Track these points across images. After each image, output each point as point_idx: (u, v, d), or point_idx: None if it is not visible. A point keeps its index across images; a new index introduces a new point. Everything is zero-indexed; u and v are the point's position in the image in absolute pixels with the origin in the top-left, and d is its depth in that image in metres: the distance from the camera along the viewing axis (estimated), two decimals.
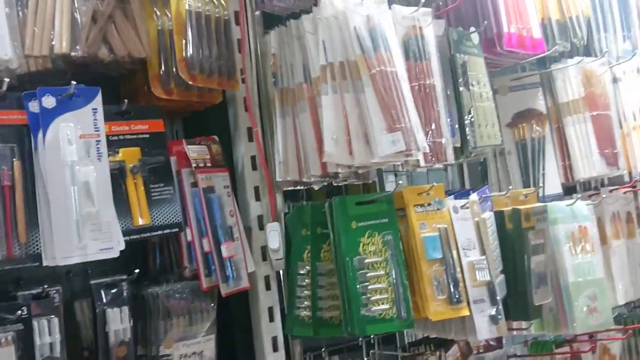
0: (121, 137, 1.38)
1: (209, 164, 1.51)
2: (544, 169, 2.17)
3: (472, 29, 1.88)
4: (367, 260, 1.47)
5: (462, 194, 1.77)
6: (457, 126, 1.75)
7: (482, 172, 2.20)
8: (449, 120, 1.71)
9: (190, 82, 1.42)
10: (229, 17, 1.53)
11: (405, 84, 1.49)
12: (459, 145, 1.78)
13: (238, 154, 1.61)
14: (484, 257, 1.58)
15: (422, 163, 1.53)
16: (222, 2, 1.51)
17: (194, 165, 1.47)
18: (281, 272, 1.63)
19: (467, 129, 1.78)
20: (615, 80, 2.35)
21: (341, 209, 1.50)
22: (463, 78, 1.81)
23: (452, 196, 1.73)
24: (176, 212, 1.43)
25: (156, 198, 1.41)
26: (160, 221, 1.40)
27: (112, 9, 1.41)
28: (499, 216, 1.79)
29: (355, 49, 1.44)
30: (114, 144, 1.36)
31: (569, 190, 2.24)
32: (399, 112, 1.43)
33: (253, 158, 1.62)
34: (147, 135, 1.42)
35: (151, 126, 1.43)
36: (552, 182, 2.17)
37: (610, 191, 2.23)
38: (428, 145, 1.54)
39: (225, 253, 1.45)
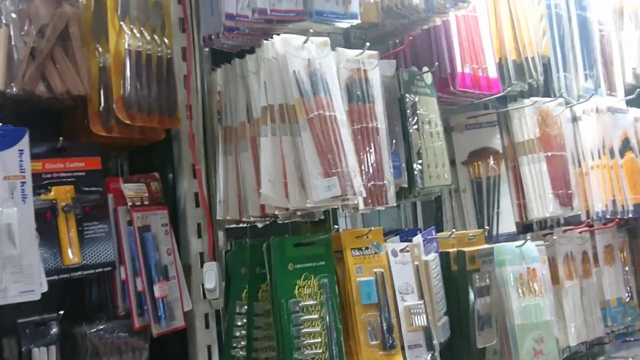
0: (55, 174, 1.38)
1: (146, 202, 1.50)
2: (498, 208, 2.17)
3: (425, 68, 1.89)
4: (302, 303, 1.47)
5: (408, 233, 1.77)
6: (404, 165, 1.76)
7: (437, 210, 2.20)
8: (391, 162, 1.71)
9: (128, 122, 1.42)
10: (172, 55, 1.53)
11: (344, 128, 1.49)
12: (406, 185, 1.79)
13: (181, 190, 1.61)
14: (421, 301, 1.58)
15: (361, 206, 1.53)
16: (165, 40, 1.52)
17: (129, 203, 1.46)
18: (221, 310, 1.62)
19: (415, 170, 1.79)
20: (575, 119, 2.37)
21: (279, 250, 1.49)
22: (413, 118, 1.82)
23: (398, 236, 1.74)
24: (110, 250, 1.43)
25: (90, 236, 1.40)
26: (93, 260, 1.40)
27: (51, 45, 1.41)
28: (445, 257, 1.79)
29: (293, 93, 1.44)
30: (46, 182, 1.36)
31: (525, 229, 2.25)
32: (336, 157, 1.44)
33: (196, 195, 1.61)
34: (83, 173, 1.42)
35: (87, 164, 1.43)
36: (507, 220, 2.17)
37: (564, 231, 2.24)
38: (369, 188, 1.55)
39: (157, 293, 1.45)
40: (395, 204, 1.62)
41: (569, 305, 2.18)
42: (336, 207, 1.50)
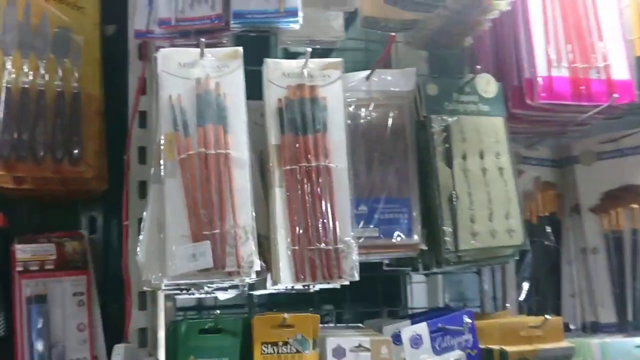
0: None
1: (50, 267, 1.25)
2: None
3: (477, 74, 1.30)
4: None
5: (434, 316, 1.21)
6: (415, 216, 1.22)
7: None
8: (393, 214, 1.20)
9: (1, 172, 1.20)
10: (79, 89, 1.26)
11: (242, 170, 1.05)
12: (424, 247, 1.23)
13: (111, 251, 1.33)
14: None
15: (286, 281, 1.06)
16: (75, 73, 1.26)
17: (19, 268, 1.23)
18: None
19: (443, 225, 1.22)
20: None
21: (182, 338, 1.11)
22: (441, 149, 1.26)
23: (409, 321, 1.20)
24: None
25: None
26: None
27: None
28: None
29: (163, 125, 1.06)
30: None
31: None
32: (214, 213, 1.02)
33: None
34: None
35: None
36: None
37: None
38: (304, 254, 1.07)
39: None
40: (356, 278, 1.10)
41: None
42: (214, 284, 1.06)
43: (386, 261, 1.33)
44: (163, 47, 1.18)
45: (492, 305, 1.46)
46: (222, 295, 1.29)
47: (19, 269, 1.23)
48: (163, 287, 1.10)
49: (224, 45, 1.20)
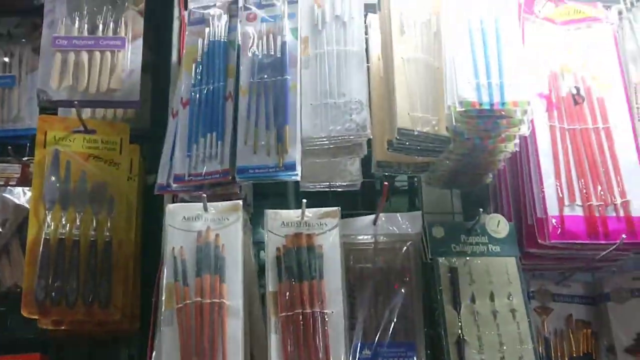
0: None
1: None
2: None
3: (487, 215, 1.32)
4: None
5: None
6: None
7: None
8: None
9: (36, 317, 1.31)
10: (112, 238, 1.38)
11: (235, 319, 1.11)
12: None
13: None
14: None
15: None
16: (109, 223, 1.39)
17: None
18: None
19: None
20: None
21: None
22: (449, 290, 1.26)
23: None
24: None
25: None
26: None
27: (8, 239, 1.43)
28: None
29: (167, 276, 1.15)
30: None
31: None
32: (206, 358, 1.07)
33: None
34: None
35: None
36: None
37: None
38: None
39: None
40: None
41: None
42: None
43: None
44: (184, 198, 1.29)
45: None
46: None
47: None
48: None
49: (237, 195, 1.30)
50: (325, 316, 1.15)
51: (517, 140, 1.31)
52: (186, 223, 1.19)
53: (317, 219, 1.22)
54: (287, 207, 1.28)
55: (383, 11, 1.34)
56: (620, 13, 1.51)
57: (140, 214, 1.50)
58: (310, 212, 1.22)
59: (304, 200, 1.20)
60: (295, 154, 1.22)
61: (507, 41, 1.26)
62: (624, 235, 1.26)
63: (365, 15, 1.40)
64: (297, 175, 1.22)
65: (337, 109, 1.28)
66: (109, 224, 1.39)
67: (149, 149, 1.58)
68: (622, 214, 1.32)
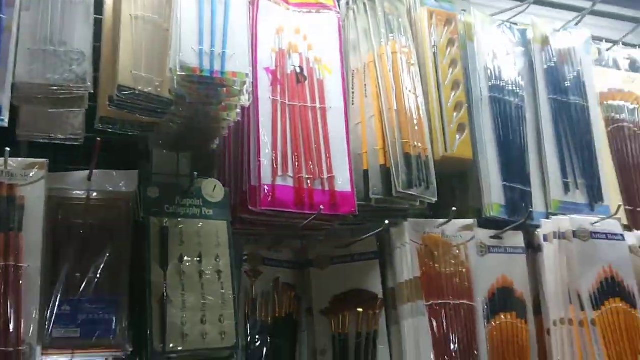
0: None
1: None
2: None
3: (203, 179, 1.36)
4: None
5: None
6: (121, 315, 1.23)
7: None
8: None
9: None
10: None
11: None
12: (130, 348, 1.24)
13: None
14: None
15: None
16: None
17: None
18: None
19: (152, 326, 1.24)
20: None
21: None
22: (158, 250, 1.29)
23: None
24: None
25: None
26: None
27: None
28: None
29: None
30: None
31: None
32: None
33: None
34: None
35: None
36: None
37: None
38: None
39: None
40: None
41: None
42: None
43: None
44: None
45: None
46: None
47: None
48: None
49: None
50: (20, 270, 1.11)
51: (239, 110, 1.37)
52: None
53: (22, 170, 1.17)
54: None
55: None
56: (347, 4, 1.64)
57: None
58: (14, 162, 1.16)
59: (7, 149, 1.15)
60: (3, 98, 1.16)
61: (236, 14, 1.31)
62: (322, 207, 1.38)
63: None
64: (3, 120, 1.16)
65: (56, 57, 1.24)
66: None
67: None
68: (327, 187, 1.44)
